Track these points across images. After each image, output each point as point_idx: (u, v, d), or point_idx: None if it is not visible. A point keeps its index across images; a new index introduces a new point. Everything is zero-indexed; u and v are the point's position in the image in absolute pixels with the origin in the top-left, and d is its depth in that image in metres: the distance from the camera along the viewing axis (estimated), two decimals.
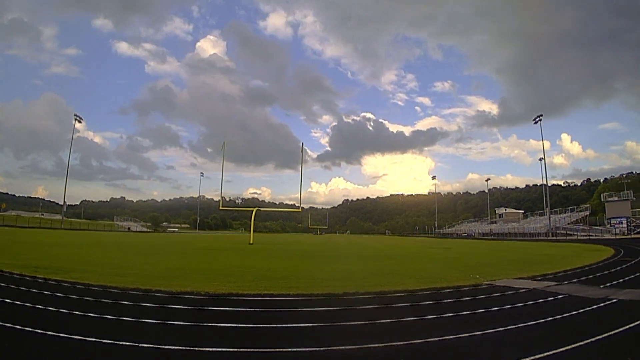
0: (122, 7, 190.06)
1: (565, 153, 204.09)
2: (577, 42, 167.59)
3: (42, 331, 4.62)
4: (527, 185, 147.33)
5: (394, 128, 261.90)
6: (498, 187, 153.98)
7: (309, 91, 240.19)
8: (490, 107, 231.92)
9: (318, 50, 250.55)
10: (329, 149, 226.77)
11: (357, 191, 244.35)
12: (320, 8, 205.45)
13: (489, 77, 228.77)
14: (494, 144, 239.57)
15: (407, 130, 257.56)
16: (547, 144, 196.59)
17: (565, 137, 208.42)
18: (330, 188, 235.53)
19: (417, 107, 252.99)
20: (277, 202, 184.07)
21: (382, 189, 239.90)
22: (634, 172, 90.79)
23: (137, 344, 4.25)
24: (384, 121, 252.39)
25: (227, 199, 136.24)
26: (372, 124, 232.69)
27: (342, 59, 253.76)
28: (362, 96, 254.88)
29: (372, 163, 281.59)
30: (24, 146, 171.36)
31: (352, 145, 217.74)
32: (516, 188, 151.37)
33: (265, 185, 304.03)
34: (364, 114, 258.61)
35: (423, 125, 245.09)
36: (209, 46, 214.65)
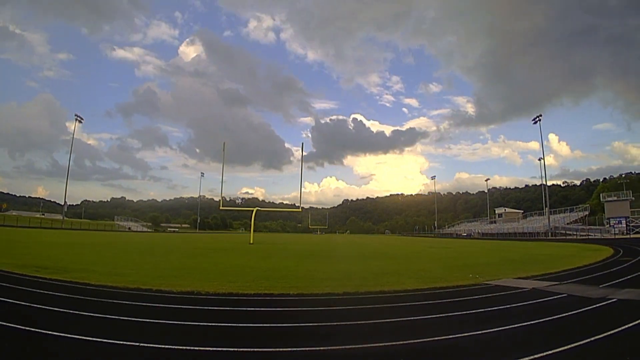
0: (111, 14, 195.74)
1: (555, 153, 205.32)
2: (552, 39, 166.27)
3: (43, 331, 4.63)
4: (526, 185, 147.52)
5: (375, 128, 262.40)
6: (497, 187, 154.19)
7: (291, 93, 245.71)
8: (470, 107, 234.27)
9: (301, 55, 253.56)
10: (313, 149, 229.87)
11: (349, 190, 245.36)
12: (298, 14, 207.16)
13: (468, 78, 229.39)
14: (484, 145, 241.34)
15: (387, 130, 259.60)
16: (536, 145, 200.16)
17: (553, 137, 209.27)
18: (322, 188, 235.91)
19: (404, 109, 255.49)
20: (271, 202, 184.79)
21: (372, 189, 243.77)
22: (633, 172, 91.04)
23: (137, 344, 4.27)
24: (366, 122, 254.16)
25: (228, 199, 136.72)
26: (353, 124, 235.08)
27: (325, 62, 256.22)
28: (344, 98, 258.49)
29: (361, 163, 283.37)
30: (19, 147, 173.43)
31: (335, 145, 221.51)
32: (515, 188, 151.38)
33: (258, 185, 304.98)
34: (345, 115, 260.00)
35: (405, 125, 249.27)
36: (192, 51, 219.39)
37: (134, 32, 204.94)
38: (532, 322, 5.59)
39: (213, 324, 5.54)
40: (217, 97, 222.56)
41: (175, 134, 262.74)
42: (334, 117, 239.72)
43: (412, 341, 4.66)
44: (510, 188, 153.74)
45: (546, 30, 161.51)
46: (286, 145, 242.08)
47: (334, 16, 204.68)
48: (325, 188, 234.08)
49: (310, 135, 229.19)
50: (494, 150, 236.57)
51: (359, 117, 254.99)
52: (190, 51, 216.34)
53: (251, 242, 32.72)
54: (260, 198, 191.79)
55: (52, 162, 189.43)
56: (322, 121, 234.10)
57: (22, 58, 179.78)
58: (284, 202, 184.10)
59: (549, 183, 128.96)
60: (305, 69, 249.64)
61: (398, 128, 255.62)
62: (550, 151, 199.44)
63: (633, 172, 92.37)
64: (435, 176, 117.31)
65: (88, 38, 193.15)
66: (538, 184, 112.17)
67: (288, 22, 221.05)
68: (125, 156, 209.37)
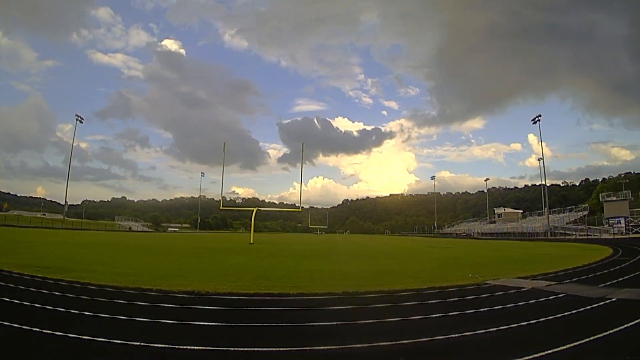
0: (93, 21, 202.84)
1: (537, 154, 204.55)
2: (509, 35, 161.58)
3: (44, 331, 4.65)
4: (525, 185, 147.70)
5: (345, 128, 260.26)
6: (498, 187, 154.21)
7: (267, 97, 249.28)
8: (433, 106, 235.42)
9: (273, 61, 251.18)
10: (287, 151, 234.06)
11: (336, 189, 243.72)
12: (263, 23, 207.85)
13: (424, 78, 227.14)
14: (469, 146, 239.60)
15: (355, 130, 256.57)
16: (518, 146, 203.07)
17: (533, 138, 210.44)
18: (309, 188, 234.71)
19: (383, 111, 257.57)
20: (271, 202, 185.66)
21: (360, 189, 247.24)
22: (632, 171, 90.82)
23: (138, 344, 4.29)
24: (338, 123, 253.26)
25: (228, 199, 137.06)
26: (327, 125, 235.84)
27: (299, 67, 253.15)
28: (325, 100, 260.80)
29: (341, 163, 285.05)
30: (10, 148, 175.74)
31: (309, 146, 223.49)
32: (515, 188, 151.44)
33: (246, 186, 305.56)
34: (318, 116, 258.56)
35: (370, 125, 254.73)
36: (169, 57, 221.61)
37: (117, 40, 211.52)
38: (532, 321, 5.62)
39: (213, 323, 5.56)
40: (198, 102, 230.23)
41: (160, 136, 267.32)
42: (306, 118, 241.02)
43: (412, 341, 4.69)
44: (509, 188, 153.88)
45: (502, 26, 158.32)
46: (261, 146, 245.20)
47: (302, 22, 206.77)
48: (310, 188, 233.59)
49: (279, 137, 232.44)
50: (476, 151, 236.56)
51: (329, 117, 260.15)
52: (164, 58, 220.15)
53: (251, 241, 32.74)
54: (250, 197, 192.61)
55: (44, 164, 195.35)
56: (296, 123, 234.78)
57: (8, 64, 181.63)
58: (274, 202, 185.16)
59: (522, 184, 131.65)
60: (279, 73, 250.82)
61: (365, 128, 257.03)
62: (532, 151, 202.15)
63: (632, 171, 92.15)
64: (434, 176, 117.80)
65: (73, 45, 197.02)
66: (537, 183, 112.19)
67: (253, 30, 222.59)
68: (113, 158, 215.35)
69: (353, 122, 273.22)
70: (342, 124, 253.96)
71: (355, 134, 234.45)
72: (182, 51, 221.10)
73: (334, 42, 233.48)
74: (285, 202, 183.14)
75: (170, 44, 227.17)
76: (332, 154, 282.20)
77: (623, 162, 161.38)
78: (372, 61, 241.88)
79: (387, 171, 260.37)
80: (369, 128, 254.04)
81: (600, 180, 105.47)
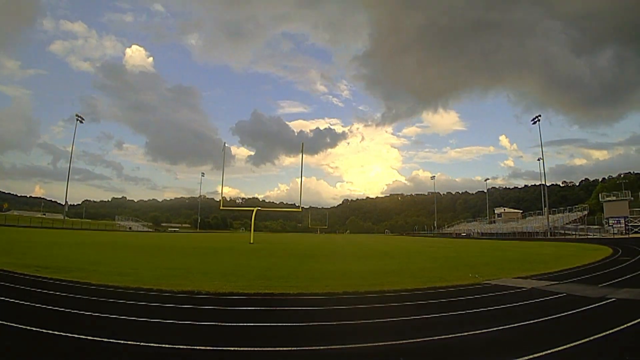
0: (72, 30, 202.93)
1: (510, 155, 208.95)
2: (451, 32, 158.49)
3: (44, 330, 4.65)
4: (525, 185, 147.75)
5: (298, 128, 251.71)
6: (497, 187, 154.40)
7: (222, 101, 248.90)
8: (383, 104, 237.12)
9: (228, 65, 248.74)
10: (251, 153, 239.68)
11: (320, 188, 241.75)
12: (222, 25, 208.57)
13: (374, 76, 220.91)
14: (445, 147, 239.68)
15: (307, 130, 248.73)
16: (492, 148, 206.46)
17: (504, 139, 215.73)
18: (291, 187, 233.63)
19: (357, 115, 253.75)
20: (272, 202, 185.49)
21: (346, 189, 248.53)
22: (632, 171, 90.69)
23: (138, 343, 4.29)
24: (294, 123, 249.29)
25: (229, 199, 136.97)
26: (280, 126, 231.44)
27: (272, 74, 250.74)
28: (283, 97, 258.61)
29: (319, 162, 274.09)
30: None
31: (270, 147, 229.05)
32: (515, 188, 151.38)
33: (228, 185, 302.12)
34: (276, 117, 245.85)
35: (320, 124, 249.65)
36: (138, 62, 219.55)
37: (95, 50, 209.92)
38: (532, 321, 5.63)
39: (213, 323, 5.57)
40: (148, 106, 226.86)
41: (137, 139, 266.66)
42: (266, 120, 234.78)
43: (412, 340, 4.69)
44: (509, 188, 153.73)
45: (438, 24, 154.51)
46: (228, 147, 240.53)
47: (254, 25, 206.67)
48: (292, 187, 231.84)
49: (244, 140, 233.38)
50: (452, 153, 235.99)
51: (292, 119, 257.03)
52: (137, 62, 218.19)
53: (251, 241, 32.75)
54: (250, 197, 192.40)
55: (31, 165, 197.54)
56: (252, 124, 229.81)
57: None
58: (274, 202, 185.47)
59: (497, 184, 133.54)
60: (232, 77, 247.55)
61: (319, 127, 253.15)
62: (506, 152, 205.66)
63: (631, 172, 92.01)
64: (434, 176, 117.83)
65: (53, 53, 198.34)
66: (537, 183, 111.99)
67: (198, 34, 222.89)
68: (99, 159, 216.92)
69: (314, 120, 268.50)
70: (299, 124, 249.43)
71: (311, 134, 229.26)
72: (150, 60, 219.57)
73: (274, 49, 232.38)
74: (274, 202, 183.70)
75: (134, 52, 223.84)
76: (295, 154, 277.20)
77: (596, 160, 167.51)
78: (323, 62, 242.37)
79: (366, 170, 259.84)
80: (322, 128, 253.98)
81: (573, 179, 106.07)
